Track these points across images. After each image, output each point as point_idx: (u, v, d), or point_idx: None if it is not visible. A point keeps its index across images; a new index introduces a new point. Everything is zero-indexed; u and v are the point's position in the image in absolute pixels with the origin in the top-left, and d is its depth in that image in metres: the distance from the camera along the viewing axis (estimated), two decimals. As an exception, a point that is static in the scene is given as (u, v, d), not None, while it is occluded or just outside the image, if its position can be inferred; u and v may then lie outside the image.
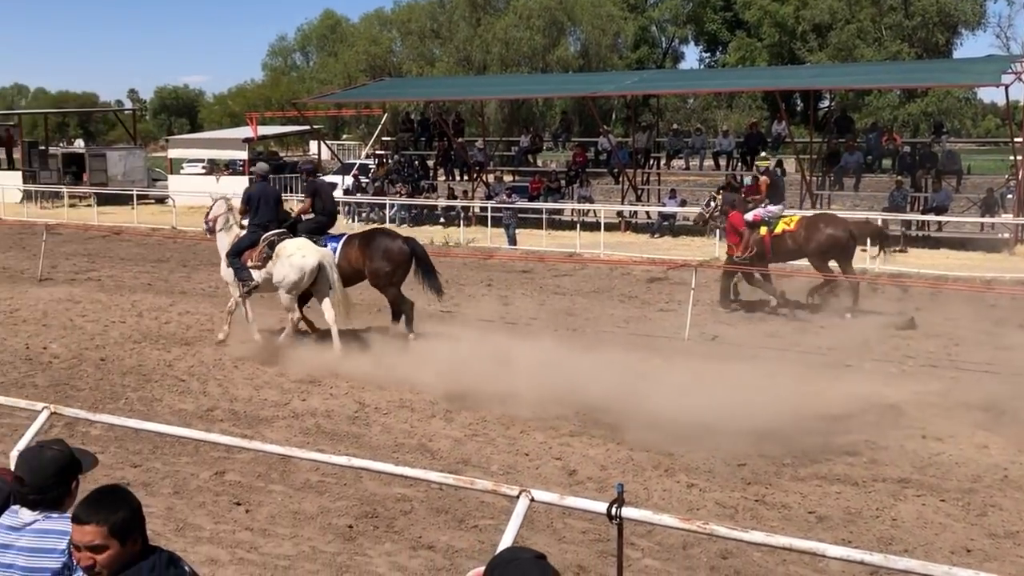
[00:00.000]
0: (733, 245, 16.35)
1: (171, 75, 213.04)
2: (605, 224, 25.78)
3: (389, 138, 37.69)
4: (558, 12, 53.51)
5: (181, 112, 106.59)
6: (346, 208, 31.26)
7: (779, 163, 25.18)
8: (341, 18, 70.55)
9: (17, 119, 51.56)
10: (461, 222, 27.72)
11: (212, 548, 6.65)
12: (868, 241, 17.56)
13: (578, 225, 25.36)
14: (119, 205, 33.43)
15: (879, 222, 20.67)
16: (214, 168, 41.32)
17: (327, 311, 12.45)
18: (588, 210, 28.49)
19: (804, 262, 16.64)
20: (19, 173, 39.25)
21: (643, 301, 17.10)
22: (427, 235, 26.53)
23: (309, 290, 12.68)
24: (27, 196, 35.72)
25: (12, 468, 5.03)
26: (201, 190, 33.41)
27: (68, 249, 22.69)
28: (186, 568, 3.16)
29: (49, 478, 3.47)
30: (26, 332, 13.67)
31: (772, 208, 16.28)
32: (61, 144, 55.85)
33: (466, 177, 32.97)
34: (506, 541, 4.17)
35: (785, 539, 4.19)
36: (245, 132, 40.70)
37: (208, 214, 13.48)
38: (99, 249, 23.64)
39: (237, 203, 13.16)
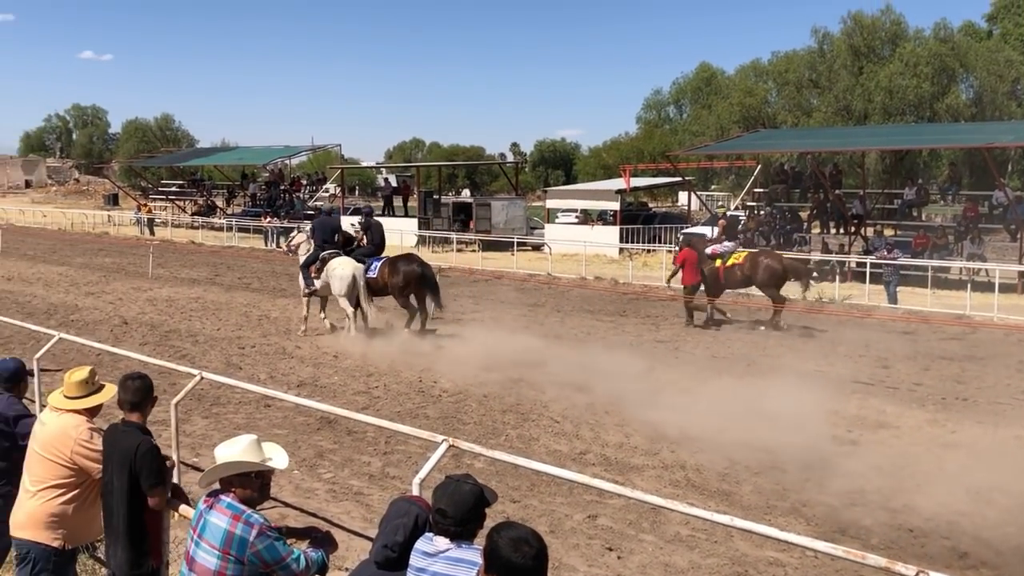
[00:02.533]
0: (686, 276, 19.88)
1: (550, 129, 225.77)
2: (1000, 285, 23.54)
3: (761, 189, 37.12)
4: (948, 58, 50.02)
5: (558, 164, 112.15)
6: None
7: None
8: (716, 70, 70.95)
9: (415, 171, 57.02)
10: (836, 277, 26.55)
11: (585, 590, 6.78)
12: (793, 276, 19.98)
13: (968, 285, 23.37)
14: (500, 251, 35.65)
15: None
16: (587, 218, 42.92)
17: (347, 307, 17.40)
18: (980, 269, 26.18)
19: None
20: (415, 220, 43.22)
21: (1047, 372, 15.35)
22: (797, 290, 25.73)
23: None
24: (421, 241, 39.17)
25: (414, 494, 5.49)
26: (575, 238, 34.90)
27: (456, 291, 24.49)
28: None
29: (469, 511, 3.71)
30: (419, 366, 14.88)
31: (727, 244, 20.48)
32: (451, 194, 60.56)
33: (842, 230, 31.62)
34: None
35: None
36: (618, 183, 41.93)
37: (291, 240, 19.62)
38: (482, 292, 25.31)
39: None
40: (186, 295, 23.44)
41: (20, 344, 14.69)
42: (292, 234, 20.13)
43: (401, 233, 38.29)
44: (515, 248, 34.35)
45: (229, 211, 57.17)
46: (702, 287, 20.13)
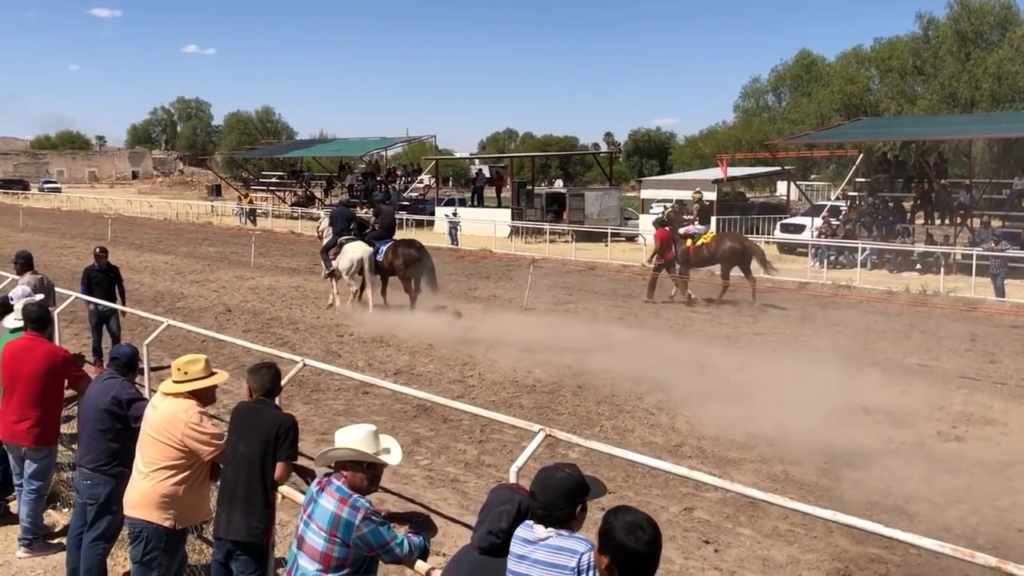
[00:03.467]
0: (658, 253, 22.11)
1: (644, 118, 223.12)
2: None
3: (862, 179, 36.19)
4: (1065, 42, 47.92)
5: (652, 154, 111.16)
6: (814, 250, 30.48)
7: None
8: (817, 57, 69.34)
9: (508, 161, 57.14)
10: (941, 270, 25.75)
11: (681, 582, 6.75)
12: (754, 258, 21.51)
13: (1083, 278, 22.45)
14: (594, 242, 35.56)
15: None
16: (682, 208, 42.46)
17: (354, 284, 19.59)
18: (1096, 261, 25.08)
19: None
20: (508, 211, 43.36)
21: None
22: (902, 282, 25.06)
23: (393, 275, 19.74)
24: (514, 232, 39.27)
25: (513, 481, 5.54)
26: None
27: (549, 282, 24.51)
28: None
29: (558, 498, 3.72)
30: (513, 357, 14.97)
31: (699, 227, 22.29)
32: (544, 184, 60.56)
33: (947, 221, 30.64)
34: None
35: None
36: (715, 173, 41.40)
37: (320, 226, 22.03)
38: (576, 283, 25.30)
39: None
40: (286, 284, 24.00)
41: (129, 330, 15.22)
42: (320, 221, 23.52)
43: (494, 224, 38.41)
44: (609, 239, 34.21)
45: (327, 202, 58.26)
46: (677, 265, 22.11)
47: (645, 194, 45.42)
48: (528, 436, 6.19)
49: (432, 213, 46.79)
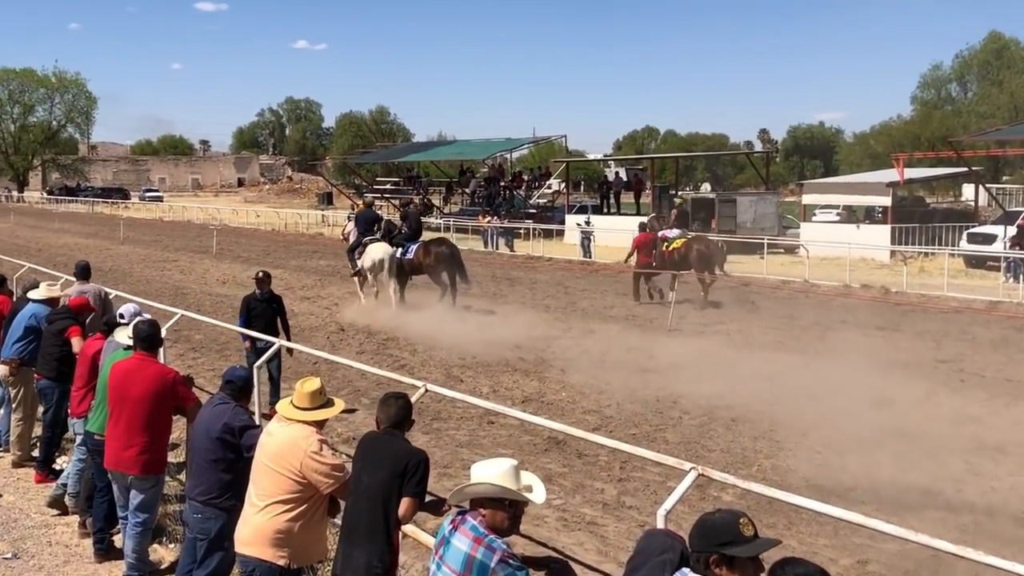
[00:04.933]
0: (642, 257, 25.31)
1: (805, 113, 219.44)
2: None
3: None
4: None
5: (815, 153, 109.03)
6: (1007, 264, 29.35)
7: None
8: (1009, 40, 66.94)
9: (648, 163, 56.95)
10: None
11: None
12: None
13: None
14: (748, 254, 35.06)
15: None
16: (850, 216, 41.51)
17: (380, 285, 22.50)
18: None
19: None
20: (644, 219, 43.22)
21: None
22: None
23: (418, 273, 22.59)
24: (656, 243, 39.09)
25: (661, 526, 5.53)
26: (836, 239, 33.78)
27: (696, 299, 24.30)
28: None
29: (704, 540, 3.72)
30: (655, 385, 14.90)
31: (675, 231, 25.42)
32: (689, 189, 59.96)
33: None
34: None
35: None
36: (889, 175, 40.33)
37: (345, 229, 26.99)
38: (727, 300, 24.96)
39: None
40: (412, 305, 24.47)
41: (236, 351, 15.82)
42: (345, 223, 28.31)
43: (632, 235, 38.32)
44: (765, 251, 33.69)
45: (446, 210, 59.27)
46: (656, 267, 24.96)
47: (807, 199, 44.51)
48: (676, 475, 6.17)
49: (562, 222, 47.05)
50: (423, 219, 49.32)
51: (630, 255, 26.29)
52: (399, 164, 68.30)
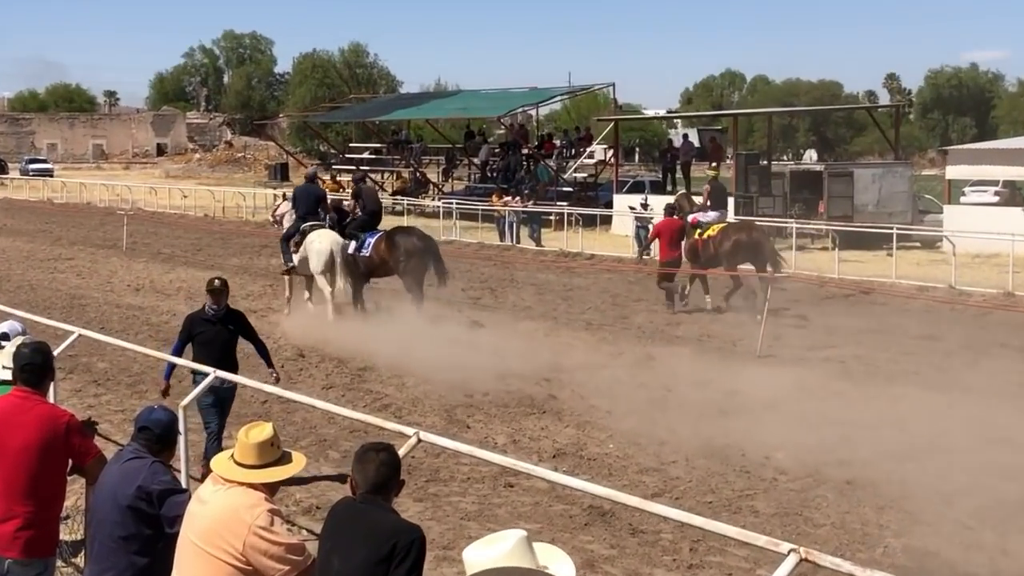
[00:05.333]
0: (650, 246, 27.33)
1: (950, 52, 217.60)
2: None
3: None
4: None
5: (964, 108, 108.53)
6: None
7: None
8: None
9: (729, 123, 56.65)
10: None
11: None
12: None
13: None
14: (869, 249, 34.93)
15: None
16: (1014, 195, 41.28)
17: (324, 287, 22.66)
18: None
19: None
20: (730, 200, 42.90)
21: None
22: None
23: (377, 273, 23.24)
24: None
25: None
26: (994, 229, 33.41)
27: (797, 313, 24.22)
28: None
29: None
30: (738, 432, 14.83)
31: (710, 214, 26.36)
32: (787, 158, 59.83)
33: None
34: None
35: None
36: (1069, 138, 40.06)
37: (275, 210, 27.85)
38: (838, 312, 24.91)
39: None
40: (389, 315, 24.45)
41: (156, 386, 15.83)
42: (277, 202, 29.03)
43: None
44: (894, 245, 33.56)
45: (447, 188, 59.34)
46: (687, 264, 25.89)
47: (953, 173, 44.12)
48: (769, 560, 6.17)
49: (608, 204, 47.00)
50: (417, 199, 49.19)
51: (646, 247, 27.67)
52: (381, 124, 68.32)
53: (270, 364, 13.41)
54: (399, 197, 55.30)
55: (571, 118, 78.77)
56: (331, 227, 23.47)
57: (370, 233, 23.13)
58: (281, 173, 78.29)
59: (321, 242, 22.66)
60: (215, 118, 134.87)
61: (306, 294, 23.89)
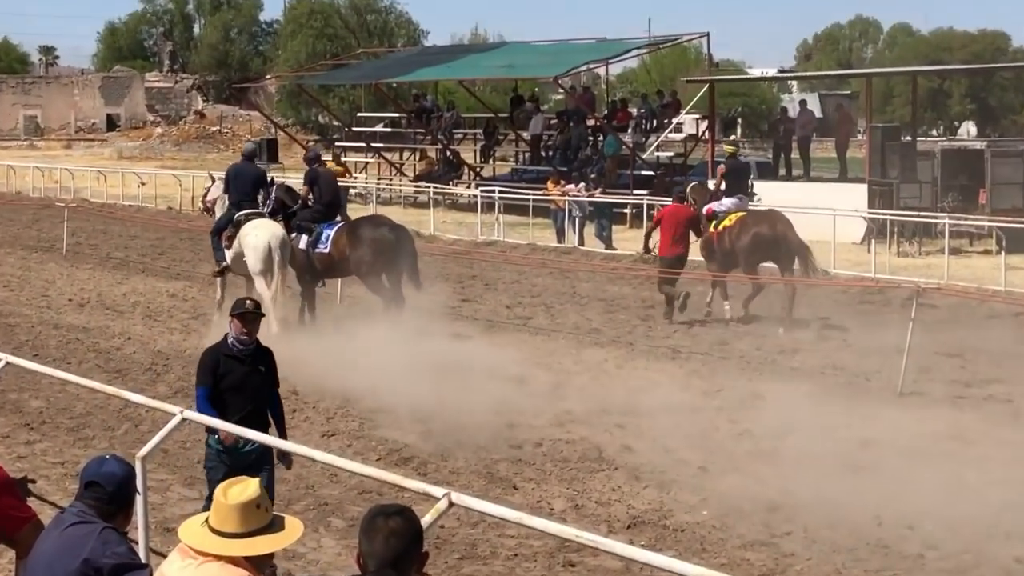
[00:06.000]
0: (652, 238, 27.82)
1: None
2: None
3: None
4: None
5: None
6: None
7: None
8: None
9: (862, 85, 56.37)
10: None
11: None
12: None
13: None
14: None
15: None
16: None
17: (263, 290, 22.88)
18: None
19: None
20: (861, 187, 42.69)
21: None
22: None
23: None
24: (876, 231, 38.47)
25: None
26: None
27: (948, 339, 24.05)
28: None
29: None
30: (876, 493, 14.79)
31: (726, 202, 27.19)
32: (937, 133, 59.52)
33: None
34: None
35: None
36: None
37: (205, 195, 28.05)
38: (1007, 338, 24.68)
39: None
40: (404, 338, 24.43)
41: (107, 431, 15.95)
42: (207, 185, 28.97)
43: (833, 215, 38.04)
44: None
45: (486, 172, 59.30)
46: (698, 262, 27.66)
47: None
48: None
49: (703, 194, 46.88)
50: (447, 186, 49.35)
51: (647, 241, 28.35)
52: (400, 88, 68.29)
53: (282, 433, 12.75)
54: (423, 184, 54.90)
55: (652, 79, 78.59)
56: (274, 215, 24.30)
57: (328, 224, 24.04)
58: (269, 152, 78.00)
59: (258, 235, 23.36)
60: (182, 81, 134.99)
61: (220, 295, 24.72)
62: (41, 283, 32.83)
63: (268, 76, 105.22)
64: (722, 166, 28.82)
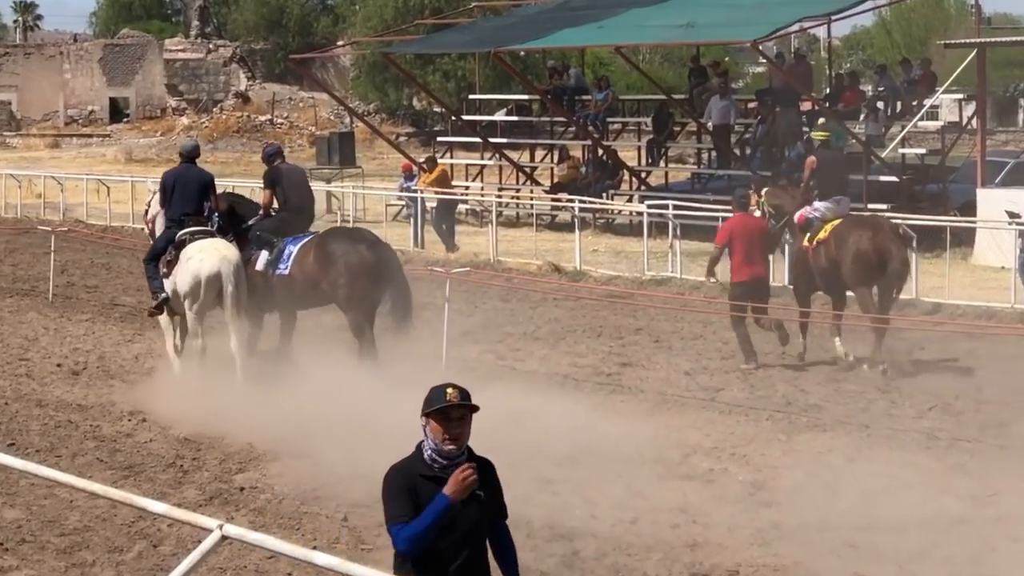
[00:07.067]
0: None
1: None
2: None
3: None
4: None
5: None
6: None
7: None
8: None
9: None
10: None
11: None
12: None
13: None
14: None
15: None
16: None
17: (195, 335, 25.38)
18: None
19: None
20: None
21: None
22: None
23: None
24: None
25: None
26: None
27: None
28: None
29: None
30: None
31: (819, 205, 28.87)
32: None
33: None
34: None
35: None
36: None
37: (147, 213, 29.69)
38: None
39: None
40: (511, 407, 24.51)
41: (112, 553, 16.18)
42: (148, 198, 31.56)
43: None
44: None
45: (652, 179, 59.49)
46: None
47: None
48: None
49: (967, 207, 46.80)
50: (599, 198, 49.90)
51: (713, 264, 30.29)
52: (530, 58, 68.49)
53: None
54: (564, 197, 54.58)
55: (894, 43, 78.64)
56: (223, 234, 25.17)
57: (292, 239, 24.76)
58: (342, 150, 77.45)
59: (204, 260, 24.77)
60: (217, 50, 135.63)
61: (174, 338, 26.59)
62: (18, 341, 33.12)
63: (341, 43, 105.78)
64: (812, 159, 29.76)
